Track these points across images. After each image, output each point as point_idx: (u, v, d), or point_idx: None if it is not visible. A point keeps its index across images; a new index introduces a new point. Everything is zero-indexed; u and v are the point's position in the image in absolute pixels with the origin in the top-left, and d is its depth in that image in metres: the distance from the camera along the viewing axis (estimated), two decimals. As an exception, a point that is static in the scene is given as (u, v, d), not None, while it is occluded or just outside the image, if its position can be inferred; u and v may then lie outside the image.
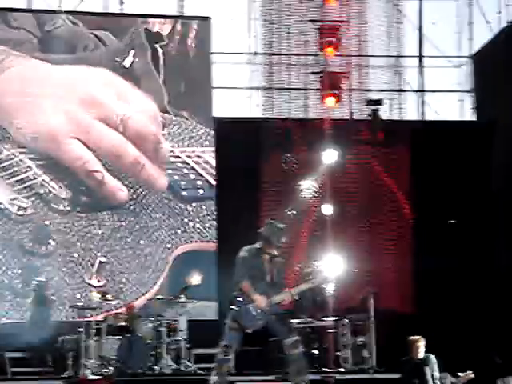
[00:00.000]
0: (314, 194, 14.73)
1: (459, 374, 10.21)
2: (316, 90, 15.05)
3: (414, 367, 9.99)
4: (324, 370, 11.53)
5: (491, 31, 15.77)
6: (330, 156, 14.51)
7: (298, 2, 15.09)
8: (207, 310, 14.10)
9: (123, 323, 12.10)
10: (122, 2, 15.38)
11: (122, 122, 14.24)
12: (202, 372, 11.47)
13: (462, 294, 14.32)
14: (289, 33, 15.20)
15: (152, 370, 11.68)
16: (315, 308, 12.69)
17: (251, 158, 14.38)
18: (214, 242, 14.56)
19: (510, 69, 14.73)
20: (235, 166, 14.42)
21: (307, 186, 14.75)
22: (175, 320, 12.22)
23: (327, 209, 14.54)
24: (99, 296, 12.08)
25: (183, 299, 12.40)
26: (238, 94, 15.83)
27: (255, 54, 15.68)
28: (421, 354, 10.10)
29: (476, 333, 13.93)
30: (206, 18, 15.01)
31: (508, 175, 15.07)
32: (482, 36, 15.95)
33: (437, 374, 10.01)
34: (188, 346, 12.12)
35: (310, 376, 9.37)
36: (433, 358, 10.09)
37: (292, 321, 9.67)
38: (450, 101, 16.26)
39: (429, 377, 9.87)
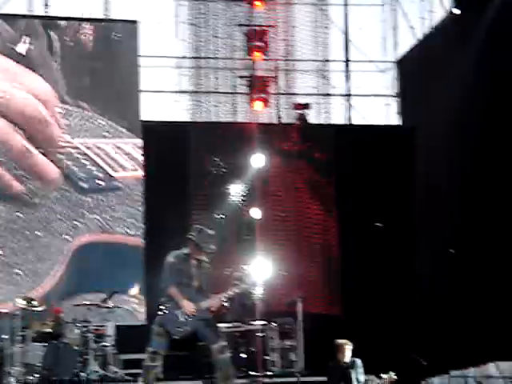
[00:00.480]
0: (242, 198, 14.78)
1: (382, 375, 10.33)
2: (244, 94, 15.10)
3: (340, 371, 10.05)
4: (252, 373, 11.56)
5: (415, 36, 16.01)
6: (257, 160, 14.58)
7: (225, 7, 15.13)
8: (135, 315, 14.05)
9: (49, 329, 11.94)
10: (46, 5, 15.20)
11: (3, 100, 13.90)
12: (129, 378, 11.39)
13: (387, 297, 14.49)
14: (216, 37, 15.22)
15: (78, 377, 11.54)
16: (243, 312, 12.72)
17: (179, 161, 14.37)
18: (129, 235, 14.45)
19: (433, 74, 14.98)
20: (163, 169, 14.36)
21: (236, 190, 14.79)
22: (102, 325, 12.10)
23: (256, 213, 14.61)
24: (24, 302, 11.89)
25: (111, 304, 12.29)
26: (165, 97, 15.76)
27: (183, 57, 15.64)
28: (347, 357, 10.16)
29: (400, 335, 14.12)
30: (134, 22, 14.89)
31: (428, 179, 15.32)
32: (407, 41, 16.19)
33: (362, 377, 10.12)
34: (115, 351, 12.01)
35: (237, 380, 9.40)
36: (359, 361, 10.19)
37: (219, 325, 9.68)
38: (377, 105, 16.47)
39: (354, 381, 9.94)
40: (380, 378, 10.37)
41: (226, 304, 11.39)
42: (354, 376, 10.00)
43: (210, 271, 9.31)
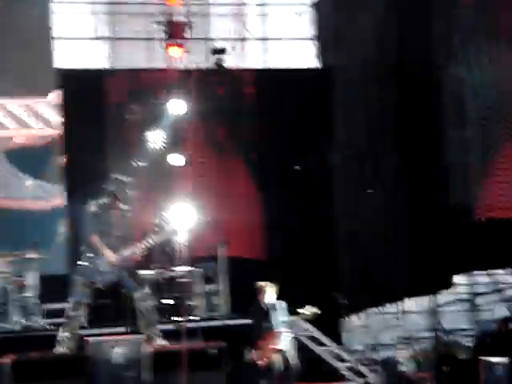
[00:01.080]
0: (162, 144, 14.69)
1: (299, 310, 10.38)
2: (160, 39, 14.94)
3: (262, 313, 10.09)
4: (176, 319, 11.62)
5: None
6: (176, 106, 14.49)
7: None
8: (56, 264, 13.96)
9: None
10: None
11: None
12: (52, 327, 11.35)
13: (308, 239, 14.67)
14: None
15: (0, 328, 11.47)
16: (166, 258, 12.74)
17: (97, 109, 14.19)
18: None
19: (350, 15, 15.06)
20: (82, 117, 14.17)
21: (155, 137, 14.69)
22: (20, 276, 11.99)
23: (176, 159, 14.55)
24: None
25: (31, 255, 12.18)
26: (82, 44, 15.48)
27: (99, 3, 15.36)
28: (268, 299, 10.19)
29: (322, 276, 14.35)
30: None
31: (347, 121, 15.48)
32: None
33: (285, 318, 10.16)
34: (37, 301, 11.94)
35: (162, 326, 9.46)
36: (281, 303, 10.18)
37: (142, 273, 9.71)
38: (295, 49, 16.45)
39: (276, 321, 9.98)
40: (299, 313, 10.42)
41: (147, 251, 11.44)
42: (275, 317, 10.01)
43: (131, 219, 9.31)
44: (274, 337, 9.86)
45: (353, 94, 15.76)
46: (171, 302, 12.14)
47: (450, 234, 14.55)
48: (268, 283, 10.27)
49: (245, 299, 11.38)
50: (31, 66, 14.39)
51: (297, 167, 14.76)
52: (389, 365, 14.52)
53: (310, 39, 16.46)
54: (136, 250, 9.13)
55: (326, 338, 11.77)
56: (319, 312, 10.28)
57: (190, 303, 12.39)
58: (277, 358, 9.77)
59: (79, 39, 15.43)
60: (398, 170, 15.36)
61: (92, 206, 9.17)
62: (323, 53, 16.39)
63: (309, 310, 10.26)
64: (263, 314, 10.04)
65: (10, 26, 14.36)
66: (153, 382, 8.57)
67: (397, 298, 15.90)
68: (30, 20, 14.49)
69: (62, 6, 15.06)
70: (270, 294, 10.17)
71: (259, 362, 9.82)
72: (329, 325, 12.59)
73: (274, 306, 10.05)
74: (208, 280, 12.82)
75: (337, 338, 12.94)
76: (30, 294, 11.86)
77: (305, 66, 16.31)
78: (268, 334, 9.88)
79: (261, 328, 9.98)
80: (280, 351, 9.82)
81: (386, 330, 17.00)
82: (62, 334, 8.99)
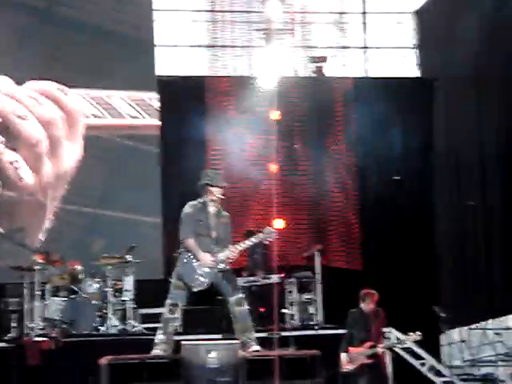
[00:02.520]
0: (259, 151, 14.65)
1: (410, 333, 10.22)
2: (260, 47, 14.98)
3: (362, 319, 9.96)
4: (270, 327, 11.55)
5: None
6: (275, 113, 14.44)
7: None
8: (153, 269, 14.06)
9: (68, 284, 11.98)
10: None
11: None
12: (148, 332, 11.42)
13: (407, 250, 14.43)
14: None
15: (98, 331, 11.60)
16: (262, 265, 12.71)
17: (197, 115, 14.24)
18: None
19: (452, 24, 14.78)
20: (181, 123, 14.26)
21: (253, 144, 14.67)
22: (120, 280, 12.12)
23: (273, 166, 14.51)
24: (40, 258, 11.92)
25: (129, 259, 12.30)
26: (182, 52, 15.64)
27: (198, 11, 15.49)
28: (370, 307, 10.03)
29: (420, 288, 14.09)
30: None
31: (449, 132, 15.19)
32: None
33: (383, 329, 10.05)
34: (134, 306, 12.04)
35: (256, 334, 9.39)
36: (381, 311, 10.06)
37: (237, 279, 9.66)
38: (395, 57, 16.27)
39: (375, 330, 9.86)
40: (406, 334, 10.27)
41: (244, 256, 11.43)
42: (373, 326, 9.87)
43: (229, 220, 9.22)
44: (370, 345, 9.77)
45: (454, 103, 15.46)
46: (265, 309, 12.07)
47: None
48: (370, 291, 10.10)
49: (339, 309, 11.26)
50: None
51: (396, 177, 14.53)
52: (488, 382, 14.14)
53: (411, 48, 16.24)
54: (232, 252, 9.06)
55: (425, 351, 11.54)
56: (420, 338, 10.11)
57: (285, 311, 12.32)
58: (371, 367, 9.65)
59: (180, 46, 15.58)
60: (500, 182, 14.97)
61: (187, 207, 9.13)
62: (424, 61, 16.14)
63: (412, 337, 10.10)
64: (362, 322, 9.92)
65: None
66: (247, 388, 8.51)
67: (499, 313, 15.47)
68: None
69: (163, 13, 15.22)
70: (371, 301, 10.00)
71: (353, 369, 9.72)
72: (428, 339, 12.34)
73: (375, 314, 9.91)
74: (303, 289, 12.72)
75: (436, 353, 12.68)
76: (128, 297, 11.96)
77: (405, 75, 16.11)
78: (365, 342, 9.79)
79: (358, 335, 9.89)
80: (375, 360, 9.71)
81: (486, 346, 16.58)
82: (159, 337, 9.00)
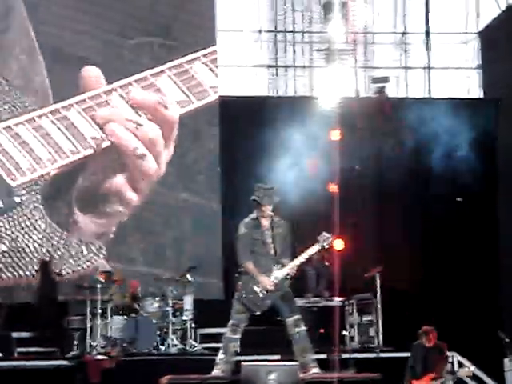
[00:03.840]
0: (319, 171, 14.62)
1: (460, 369, 10.39)
2: (321, 67, 14.98)
3: (421, 354, 10.22)
4: (330, 349, 11.49)
5: (498, 7, 15.61)
6: (336, 134, 14.42)
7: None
8: (213, 289, 14.10)
9: (129, 303, 12.07)
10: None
11: None
12: (207, 352, 11.44)
13: (468, 274, 14.24)
14: (293, 10, 15.10)
15: (158, 350, 11.65)
16: (321, 288, 12.66)
17: (256, 137, 14.25)
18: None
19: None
20: (241, 144, 14.29)
21: (313, 164, 14.65)
22: (181, 299, 12.18)
23: (333, 187, 14.47)
24: (103, 277, 12.04)
25: (189, 278, 12.35)
26: (243, 71, 15.72)
27: (260, 31, 15.55)
28: (428, 343, 10.23)
29: (482, 312, 13.88)
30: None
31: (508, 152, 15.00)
32: (489, 11, 15.79)
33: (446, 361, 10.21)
34: (194, 325, 12.08)
35: (315, 356, 9.34)
36: (443, 346, 10.24)
37: (296, 300, 9.61)
38: (457, 78, 16.14)
39: (436, 363, 10.09)
40: (455, 372, 10.49)
41: (304, 277, 11.38)
42: (436, 359, 10.12)
43: (286, 229, 9.14)
44: (429, 379, 10.00)
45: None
46: (325, 331, 12.01)
47: None
48: (429, 328, 10.28)
49: (399, 332, 11.16)
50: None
51: (459, 199, 14.37)
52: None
53: (475, 68, 16.09)
54: (291, 270, 9.01)
55: (489, 377, 11.37)
56: (471, 373, 10.36)
57: (345, 333, 12.23)
58: None
59: (242, 66, 15.66)
60: None
61: (242, 227, 9.11)
62: (487, 82, 15.97)
63: (466, 372, 10.17)
64: (421, 356, 10.16)
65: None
66: (306, 411, 8.47)
67: None
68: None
69: (225, 34, 15.31)
70: (431, 338, 10.19)
71: None
72: (492, 364, 12.15)
73: (435, 350, 10.13)
74: (363, 311, 12.62)
75: (500, 378, 12.46)
76: (188, 317, 12.00)
77: (468, 96, 15.97)
78: (424, 376, 10.03)
79: (420, 369, 10.13)
80: None
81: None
82: (219, 357, 9.01)
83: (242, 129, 14.34)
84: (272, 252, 9.04)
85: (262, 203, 8.99)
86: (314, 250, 9.16)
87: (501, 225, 14.93)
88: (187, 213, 14.35)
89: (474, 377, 11.34)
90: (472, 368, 10.33)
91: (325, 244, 9.15)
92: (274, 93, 15.39)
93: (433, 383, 9.96)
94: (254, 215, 9.09)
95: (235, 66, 15.56)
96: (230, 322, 9.04)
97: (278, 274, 8.97)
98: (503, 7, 15.53)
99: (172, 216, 14.30)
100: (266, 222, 9.06)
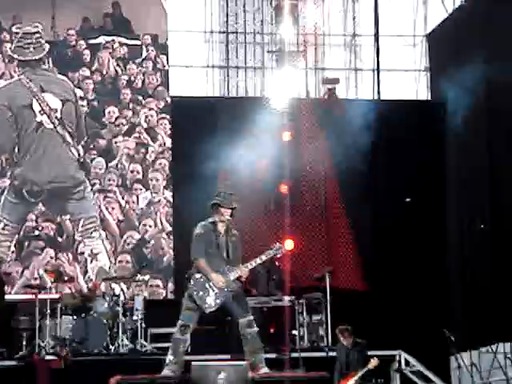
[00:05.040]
0: (270, 172, 14.72)
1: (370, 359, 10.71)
2: (273, 68, 15.06)
3: (344, 353, 10.81)
4: (280, 348, 11.57)
5: (446, 11, 15.82)
6: (286, 134, 14.53)
7: (254, -19, 15.05)
8: (164, 289, 14.11)
9: (79, 303, 12.02)
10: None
11: None
12: (158, 352, 11.45)
13: (415, 272, 14.40)
14: (245, 11, 15.15)
15: (108, 350, 11.63)
16: (271, 287, 12.72)
17: (207, 136, 14.28)
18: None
19: (463, 48, 14.83)
20: (192, 143, 14.31)
21: (263, 165, 14.74)
22: (131, 299, 12.16)
23: (283, 187, 14.59)
24: (52, 277, 11.99)
25: (140, 278, 12.35)
26: (194, 72, 15.74)
27: (211, 32, 15.58)
28: (347, 342, 10.80)
29: (428, 310, 14.06)
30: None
31: (460, 153, 15.20)
32: (437, 15, 16.00)
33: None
34: (144, 325, 12.07)
35: (265, 355, 9.40)
36: (361, 343, 10.56)
37: (248, 300, 9.67)
38: (406, 80, 16.33)
39: (357, 362, 10.63)
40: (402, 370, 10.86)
41: (254, 278, 11.45)
42: (357, 358, 10.68)
43: (238, 239, 9.24)
44: (351, 377, 10.53)
45: (465, 125, 15.49)
46: (275, 330, 12.08)
47: None
48: (346, 327, 10.81)
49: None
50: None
51: (408, 199, 14.55)
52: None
53: (423, 71, 16.30)
54: (242, 272, 9.07)
55: (434, 374, 11.54)
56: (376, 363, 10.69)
57: (295, 333, 12.31)
58: None
59: (192, 67, 15.67)
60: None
61: (198, 228, 9.17)
62: (435, 84, 16.19)
63: (373, 363, 10.68)
64: (344, 357, 10.75)
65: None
66: (255, 410, 8.51)
67: (510, 337, 15.40)
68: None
69: (176, 34, 15.31)
70: (348, 336, 10.77)
71: None
72: (438, 362, 12.35)
73: (355, 347, 10.66)
74: (313, 310, 12.72)
75: (446, 376, 12.66)
76: (138, 317, 11.99)
77: (416, 98, 16.16)
78: (347, 375, 10.58)
79: (343, 369, 10.73)
80: None
81: (497, 370, 16.48)
82: (169, 358, 9.02)
83: (193, 129, 14.35)
84: (225, 255, 9.10)
85: (223, 205, 9.06)
86: (264, 257, 9.24)
87: (448, 225, 15.15)
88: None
89: (420, 375, 11.50)
90: (376, 359, 10.65)
91: (277, 253, 9.29)
92: (226, 94, 15.42)
93: (355, 381, 10.48)
94: (211, 219, 9.14)
95: (187, 67, 15.57)
96: (179, 322, 9.04)
97: (230, 275, 9.03)
98: (450, 10, 15.75)
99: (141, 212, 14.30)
100: (222, 228, 9.12)
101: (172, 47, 15.08)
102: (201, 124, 14.35)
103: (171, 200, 14.34)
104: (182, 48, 15.40)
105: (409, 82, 16.30)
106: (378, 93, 15.82)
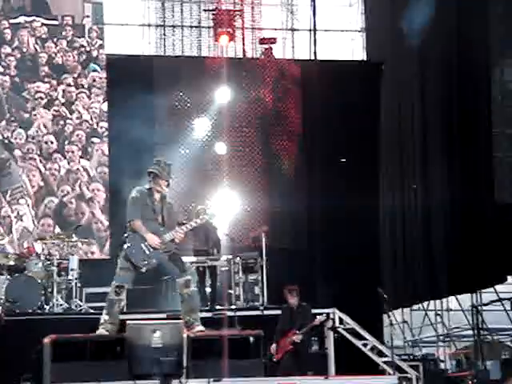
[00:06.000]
0: (207, 132, 14.73)
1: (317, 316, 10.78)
2: (209, 27, 14.96)
3: (288, 312, 10.62)
4: (216, 307, 11.64)
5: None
6: (222, 94, 14.51)
7: None
8: (99, 248, 14.11)
9: (12, 262, 11.91)
10: None
11: None
12: (93, 311, 11.42)
13: (349, 233, 14.56)
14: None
15: (42, 309, 11.56)
16: (208, 246, 12.75)
17: (144, 96, 14.17)
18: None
19: (398, 10, 14.96)
20: (128, 103, 14.18)
21: (200, 125, 14.73)
22: (66, 259, 12.09)
23: (221, 148, 14.59)
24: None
25: (74, 238, 12.28)
26: (130, 31, 15.57)
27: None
28: (293, 301, 10.64)
29: (364, 269, 14.26)
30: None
31: (395, 115, 15.37)
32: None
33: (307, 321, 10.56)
34: (79, 285, 12.03)
35: (201, 314, 9.45)
36: (306, 306, 10.59)
37: (184, 260, 9.70)
38: (342, 40, 16.38)
39: (300, 324, 10.46)
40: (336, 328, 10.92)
41: (190, 238, 11.47)
42: (300, 320, 10.49)
43: (172, 206, 9.31)
44: (292, 336, 10.42)
45: (400, 86, 15.64)
46: (211, 290, 12.14)
47: (495, 232, 14.38)
48: (295, 287, 10.66)
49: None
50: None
51: (343, 160, 14.66)
52: (428, 362, 14.40)
53: (359, 31, 16.36)
54: (178, 234, 9.11)
55: (367, 332, 11.71)
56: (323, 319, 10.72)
57: (230, 292, 12.38)
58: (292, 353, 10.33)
59: (129, 25, 15.50)
60: (444, 165, 15.21)
61: (134, 192, 9.17)
62: (371, 45, 16.27)
63: (319, 319, 10.68)
64: (288, 317, 10.58)
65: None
66: (191, 368, 8.56)
67: (439, 295, 15.74)
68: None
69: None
70: (295, 297, 10.61)
71: (276, 358, 10.37)
72: (371, 320, 12.54)
73: (299, 310, 10.54)
74: (249, 269, 12.78)
75: (378, 333, 12.87)
76: (73, 277, 11.93)
77: (353, 58, 16.23)
78: (288, 333, 10.45)
79: (285, 329, 10.53)
80: (294, 349, 10.33)
81: (427, 327, 16.85)
82: (104, 318, 9.02)
83: (128, 88, 14.21)
84: (160, 220, 9.12)
85: (159, 177, 9.06)
86: (200, 221, 9.30)
87: (381, 184, 15.33)
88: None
89: (354, 333, 11.66)
90: (324, 316, 10.77)
91: (211, 217, 9.39)
92: (162, 52, 15.28)
93: (296, 337, 10.36)
94: (147, 185, 9.15)
95: (122, 25, 15.39)
96: (114, 283, 9.04)
97: (166, 236, 9.05)
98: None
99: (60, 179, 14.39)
100: (157, 195, 9.14)
101: (108, 5, 14.92)
102: (136, 82, 14.22)
103: (88, 169, 14.49)
104: (118, 6, 15.22)
105: (345, 42, 16.35)
106: (315, 53, 15.85)
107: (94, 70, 14.78)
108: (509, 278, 15.24)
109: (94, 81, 14.75)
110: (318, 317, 10.77)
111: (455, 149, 15.07)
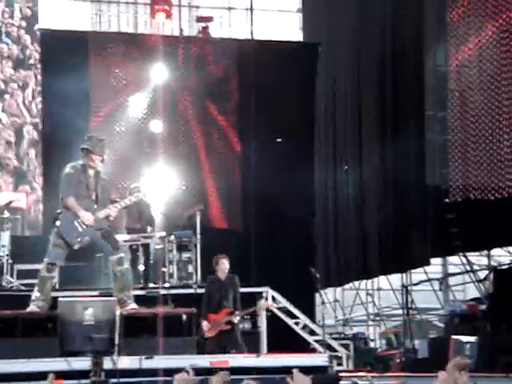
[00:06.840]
0: (143, 110, 14.65)
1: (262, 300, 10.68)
2: (146, 4, 14.87)
3: (217, 285, 10.15)
4: (149, 285, 11.64)
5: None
6: (159, 72, 14.45)
7: None
8: (31, 224, 13.98)
9: None
10: None
11: None
12: (24, 288, 11.32)
13: (283, 212, 14.65)
14: None
15: (-27, 287, 11.43)
16: (142, 224, 12.72)
17: (79, 72, 14.03)
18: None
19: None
20: (63, 79, 14.02)
21: (137, 103, 14.65)
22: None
23: (157, 126, 14.54)
24: None
25: (6, 215, 12.13)
26: (66, 5, 15.38)
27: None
28: (223, 272, 10.21)
29: (295, 249, 14.38)
30: None
31: (330, 96, 15.48)
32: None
33: (238, 294, 10.23)
34: (10, 261, 11.90)
35: (135, 292, 9.45)
36: (236, 278, 10.25)
37: (117, 237, 9.68)
38: (279, 20, 16.43)
39: (231, 296, 10.06)
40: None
41: (124, 215, 11.43)
42: (231, 292, 10.06)
43: (107, 183, 9.28)
44: (226, 312, 10.00)
45: (336, 67, 15.76)
46: (145, 267, 12.12)
47: (425, 213, 14.61)
48: (224, 256, 10.27)
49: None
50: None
51: (279, 139, 14.73)
52: (359, 340, 14.63)
53: (296, 12, 16.43)
54: (111, 211, 9.08)
55: (298, 310, 11.84)
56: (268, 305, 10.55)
57: (164, 270, 12.38)
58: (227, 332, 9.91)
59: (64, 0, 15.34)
60: (376, 146, 15.40)
61: (68, 168, 9.11)
62: (308, 25, 16.36)
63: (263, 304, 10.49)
64: (217, 289, 10.11)
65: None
66: (123, 345, 8.57)
67: (370, 274, 15.97)
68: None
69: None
70: (224, 267, 10.18)
71: (208, 335, 9.91)
72: (304, 298, 12.67)
73: (229, 281, 10.13)
74: (183, 248, 12.78)
75: (310, 312, 13.00)
76: (4, 253, 11.80)
77: (290, 39, 16.29)
78: (221, 309, 9.99)
79: (213, 302, 10.06)
80: (231, 326, 9.95)
81: (358, 306, 17.10)
82: (35, 294, 8.97)
83: (62, 63, 14.05)
84: (94, 197, 9.08)
85: (92, 153, 9.00)
86: (134, 199, 9.30)
87: (316, 165, 15.46)
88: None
89: (286, 311, 11.78)
90: (270, 302, 10.70)
91: (145, 195, 9.38)
92: (98, 28, 15.14)
93: (229, 318, 9.95)
94: (81, 161, 9.08)
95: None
96: (46, 259, 8.99)
97: (99, 214, 9.02)
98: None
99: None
100: (91, 171, 9.07)
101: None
102: (71, 58, 14.06)
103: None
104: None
105: (282, 22, 16.40)
106: (251, 33, 15.86)
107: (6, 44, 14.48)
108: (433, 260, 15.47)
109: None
110: (261, 301, 10.69)
111: (388, 129, 15.26)
